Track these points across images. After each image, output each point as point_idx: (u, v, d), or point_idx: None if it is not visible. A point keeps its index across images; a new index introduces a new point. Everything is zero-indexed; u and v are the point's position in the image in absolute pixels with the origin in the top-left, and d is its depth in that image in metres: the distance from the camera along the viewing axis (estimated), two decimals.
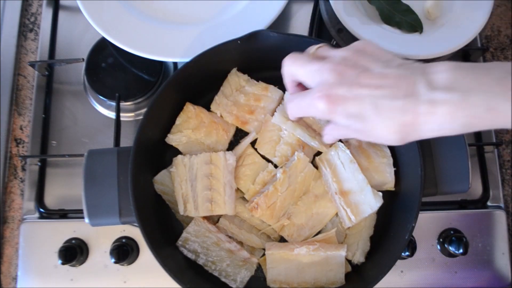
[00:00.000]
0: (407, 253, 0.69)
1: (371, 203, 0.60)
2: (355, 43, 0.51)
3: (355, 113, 0.46)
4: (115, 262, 0.69)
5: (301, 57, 0.52)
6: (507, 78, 0.39)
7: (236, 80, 0.67)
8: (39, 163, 0.77)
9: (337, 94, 0.46)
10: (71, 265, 0.71)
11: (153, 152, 0.64)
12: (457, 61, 0.43)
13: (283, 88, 0.68)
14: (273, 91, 0.67)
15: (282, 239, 0.64)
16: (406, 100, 0.43)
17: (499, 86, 0.39)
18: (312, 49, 0.54)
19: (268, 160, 0.66)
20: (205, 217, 0.62)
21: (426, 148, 0.60)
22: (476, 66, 0.42)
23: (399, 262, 0.71)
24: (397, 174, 0.64)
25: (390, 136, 0.46)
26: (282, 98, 0.67)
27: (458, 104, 0.40)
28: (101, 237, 0.72)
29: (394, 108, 0.44)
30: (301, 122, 0.65)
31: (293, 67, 0.52)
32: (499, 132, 0.81)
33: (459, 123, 0.41)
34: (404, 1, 0.74)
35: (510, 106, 0.38)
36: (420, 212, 0.56)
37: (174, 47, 0.73)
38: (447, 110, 0.41)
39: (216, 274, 0.61)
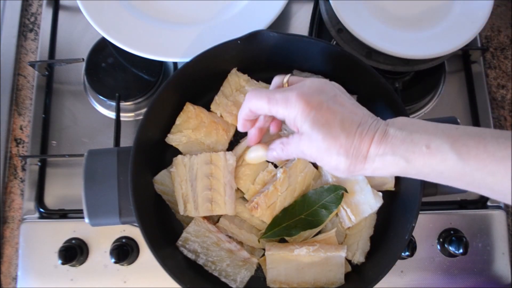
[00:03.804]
0: (407, 253, 0.69)
1: (371, 203, 0.60)
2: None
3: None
4: (115, 262, 0.69)
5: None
6: (452, 129, 0.43)
7: (236, 80, 0.67)
8: (39, 163, 0.77)
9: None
10: (71, 265, 0.71)
11: (153, 152, 0.64)
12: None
13: None
14: None
15: (282, 239, 0.64)
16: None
17: (443, 134, 0.43)
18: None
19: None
20: (205, 217, 0.62)
21: None
22: (427, 122, 0.46)
23: (399, 262, 0.71)
24: None
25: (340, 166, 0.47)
26: None
27: (402, 139, 0.44)
28: (101, 237, 0.72)
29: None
30: None
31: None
32: None
33: (400, 156, 0.44)
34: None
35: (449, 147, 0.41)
36: (420, 212, 0.56)
37: (174, 47, 0.73)
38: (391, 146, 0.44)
39: (216, 274, 0.61)
